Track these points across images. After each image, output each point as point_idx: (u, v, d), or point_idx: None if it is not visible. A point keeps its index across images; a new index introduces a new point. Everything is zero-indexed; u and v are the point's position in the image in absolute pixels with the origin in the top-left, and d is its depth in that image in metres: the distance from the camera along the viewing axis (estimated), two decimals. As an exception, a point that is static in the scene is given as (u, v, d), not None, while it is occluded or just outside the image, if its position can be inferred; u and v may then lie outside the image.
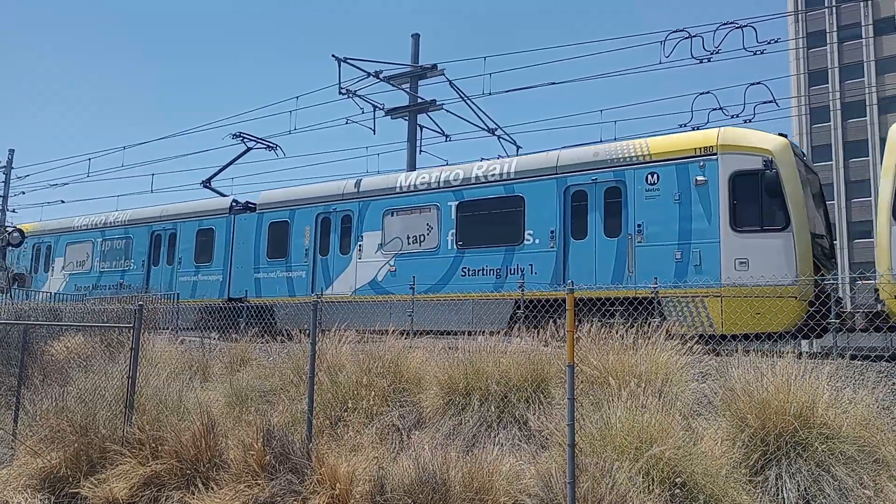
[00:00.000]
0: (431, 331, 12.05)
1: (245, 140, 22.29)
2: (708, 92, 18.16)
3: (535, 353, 9.08)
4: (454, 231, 14.96)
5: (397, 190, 16.04)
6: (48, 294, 22.29)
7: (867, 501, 6.07)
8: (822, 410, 6.87)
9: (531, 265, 13.91)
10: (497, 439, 7.93)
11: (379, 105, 21.87)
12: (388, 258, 15.81)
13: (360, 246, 16.30)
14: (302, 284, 17.13)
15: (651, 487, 6.33)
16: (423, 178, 15.86)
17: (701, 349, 9.00)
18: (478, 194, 14.78)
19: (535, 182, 14.21)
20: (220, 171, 23.00)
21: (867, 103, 57.86)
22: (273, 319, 15.88)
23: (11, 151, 33.11)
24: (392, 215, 15.98)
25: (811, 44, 60.49)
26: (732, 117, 18.03)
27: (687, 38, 16.55)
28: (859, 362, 8.66)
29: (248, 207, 19.42)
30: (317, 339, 8.67)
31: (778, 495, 6.40)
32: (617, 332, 8.85)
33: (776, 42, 15.97)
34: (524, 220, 14.19)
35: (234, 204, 19.55)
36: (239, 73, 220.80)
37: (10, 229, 28.86)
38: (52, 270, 23.65)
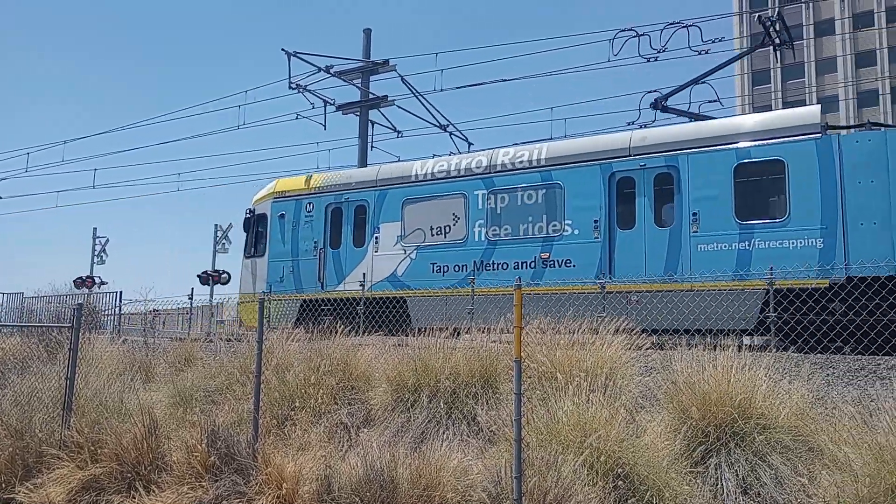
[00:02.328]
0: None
1: (770, 24, 14.99)
2: (655, 90, 18.44)
3: (484, 349, 9.13)
4: None
5: None
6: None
7: (802, 489, 6.26)
8: (761, 401, 7.06)
9: None
10: (446, 435, 7.94)
11: (329, 100, 21.67)
12: None
13: None
14: None
15: (595, 480, 6.42)
16: None
17: (647, 343, 9.18)
18: None
19: None
20: (685, 87, 15.82)
21: (807, 102, 59.67)
22: None
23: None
24: None
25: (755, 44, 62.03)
26: (678, 115, 18.33)
27: (635, 36, 16.81)
28: (796, 354, 8.94)
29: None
30: (263, 336, 8.53)
31: (717, 485, 6.56)
32: (566, 327, 8.98)
33: (720, 41, 16.35)
34: None
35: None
36: (189, 69, 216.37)
37: None
38: (376, 243, 15.19)
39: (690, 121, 14.21)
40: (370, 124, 22.16)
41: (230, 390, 9.69)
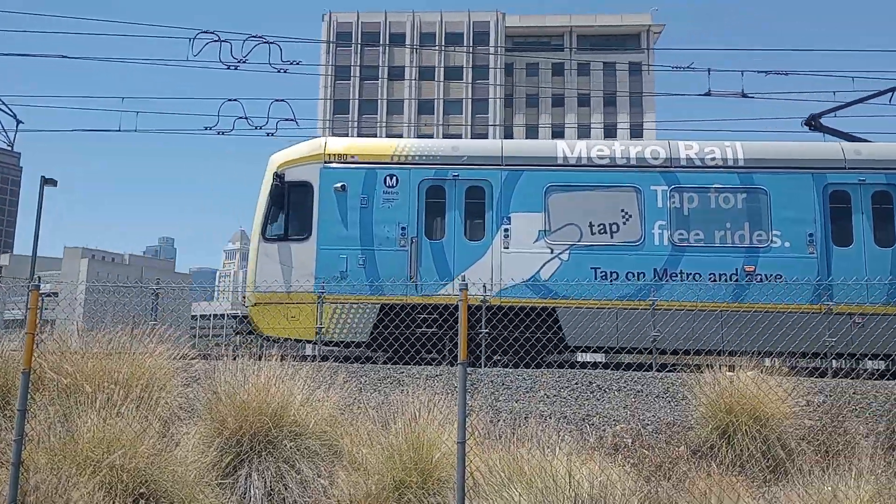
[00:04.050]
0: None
1: None
2: (235, 100, 18.36)
3: (1, 359, 7.81)
4: None
5: None
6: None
7: (322, 490, 6.67)
8: (295, 410, 7.35)
9: None
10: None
11: None
12: None
13: None
14: None
15: (114, 500, 5.90)
16: None
17: (195, 353, 8.92)
18: None
19: None
20: (844, 106, 14.50)
21: (377, 136, 66.31)
22: None
23: None
24: None
25: (339, 75, 66.92)
26: (256, 128, 18.51)
27: (216, 41, 16.48)
28: (335, 363, 9.62)
29: None
30: None
31: (245, 494, 6.61)
32: (104, 335, 8.21)
33: (298, 64, 17.02)
34: None
35: None
36: None
37: None
38: (506, 237, 12.32)
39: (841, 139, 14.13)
40: None
41: None
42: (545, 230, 12.41)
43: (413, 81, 66.74)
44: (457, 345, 9.96)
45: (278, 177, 12.79)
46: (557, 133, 67.10)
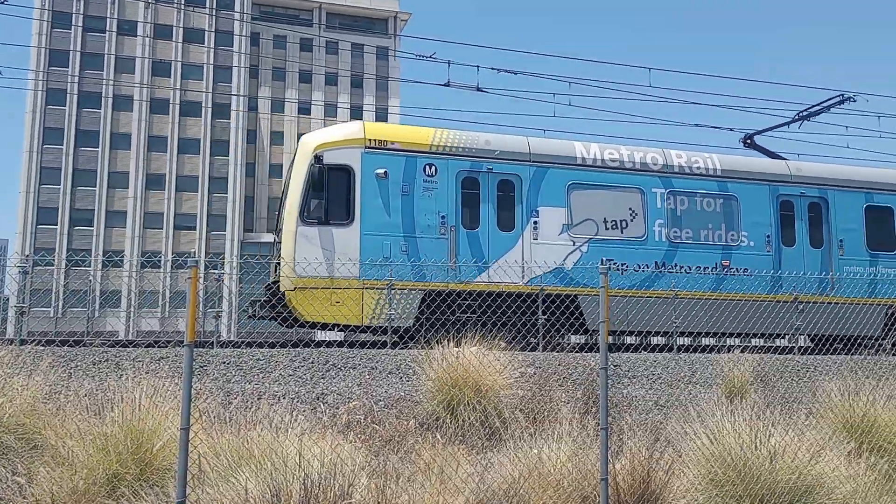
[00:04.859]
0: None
1: None
2: None
3: None
4: None
5: None
6: None
7: (18, 489, 5.89)
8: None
9: None
10: None
11: None
12: None
13: None
14: None
15: None
16: None
17: None
18: None
19: None
20: (777, 127, 17.45)
21: (103, 95, 59.99)
22: None
23: None
24: None
25: (57, 22, 59.30)
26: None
27: None
28: (40, 347, 8.55)
29: None
30: None
31: (-87, 503, 5.61)
32: None
33: (4, 3, 14.72)
34: None
35: None
36: None
37: None
38: (535, 229, 13.24)
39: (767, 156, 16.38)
40: None
41: None
42: (568, 224, 13.52)
43: (147, 39, 61.30)
44: (491, 326, 11.23)
45: (318, 159, 12.69)
46: (304, 110, 66.22)
